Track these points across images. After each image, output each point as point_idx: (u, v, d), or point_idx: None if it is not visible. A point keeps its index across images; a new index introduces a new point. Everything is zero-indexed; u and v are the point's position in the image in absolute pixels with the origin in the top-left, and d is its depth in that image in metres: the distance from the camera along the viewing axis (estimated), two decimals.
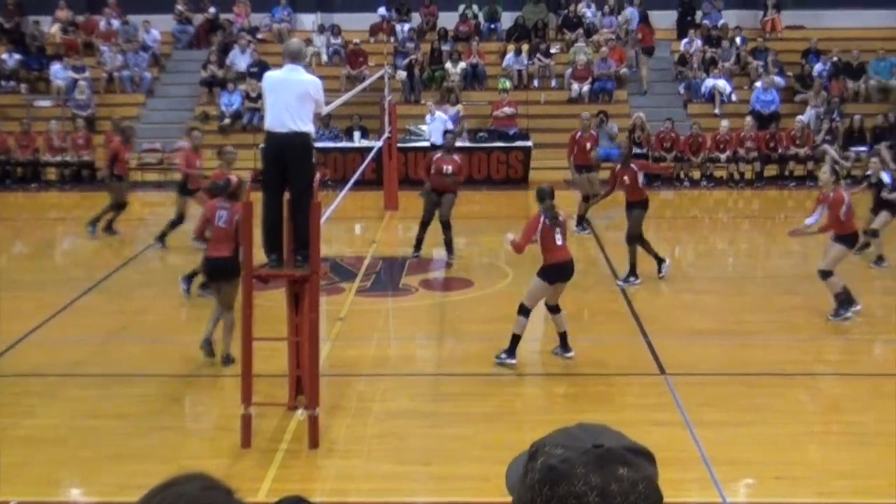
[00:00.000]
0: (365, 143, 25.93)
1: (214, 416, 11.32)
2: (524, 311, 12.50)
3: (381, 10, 32.58)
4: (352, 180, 17.74)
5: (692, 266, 18.16)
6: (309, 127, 10.39)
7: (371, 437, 10.61)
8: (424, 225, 18.01)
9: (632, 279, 16.38)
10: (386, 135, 23.13)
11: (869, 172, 17.58)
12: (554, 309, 12.61)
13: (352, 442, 10.47)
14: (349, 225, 21.85)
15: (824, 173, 14.80)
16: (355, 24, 32.31)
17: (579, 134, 20.79)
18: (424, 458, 10.07)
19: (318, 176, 10.53)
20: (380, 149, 22.88)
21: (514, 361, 12.53)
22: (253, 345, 10.21)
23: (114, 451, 10.22)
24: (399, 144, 24.40)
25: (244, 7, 32.77)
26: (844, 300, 14.32)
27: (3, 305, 13.33)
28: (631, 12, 31.95)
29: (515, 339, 12.51)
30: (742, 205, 25.16)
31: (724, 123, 26.80)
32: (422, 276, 17.39)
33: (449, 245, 18.11)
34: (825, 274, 14.39)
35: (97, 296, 16.25)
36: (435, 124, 24.42)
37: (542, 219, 12.42)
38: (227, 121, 28.96)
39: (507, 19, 32.88)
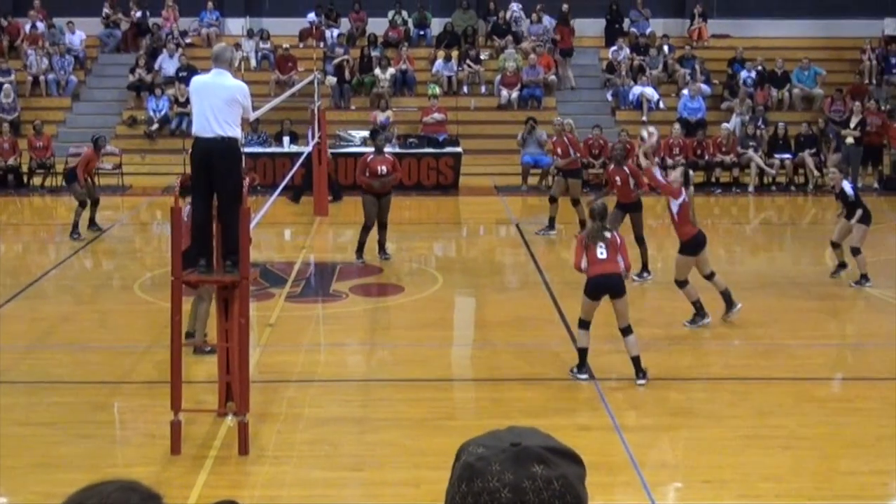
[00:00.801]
0: (294, 148, 25.83)
1: (143, 423, 11.20)
2: (582, 324, 12.32)
3: (311, 16, 32.47)
4: (281, 186, 17.68)
5: None
6: (236, 132, 10.34)
7: (301, 443, 10.58)
8: (367, 229, 17.96)
9: (645, 275, 16.99)
10: (315, 140, 23.09)
11: (832, 186, 17.43)
12: (624, 331, 12.21)
13: (282, 448, 10.43)
14: (279, 230, 21.76)
15: (675, 171, 15.20)
16: (284, 28, 32.21)
17: (554, 139, 21.19)
18: (355, 464, 10.05)
19: (247, 181, 10.49)
20: (309, 154, 22.83)
21: (584, 376, 12.30)
22: (182, 351, 10.14)
23: (40, 459, 10.09)
24: (329, 150, 24.35)
25: (172, 11, 32.52)
26: (701, 308, 14.42)
27: None
28: (548, 21, 32.15)
29: (582, 352, 12.35)
30: None
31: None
32: (352, 282, 17.36)
33: (383, 245, 18.21)
34: (681, 283, 14.42)
35: (22, 302, 16.02)
36: None
37: (583, 236, 12.36)
38: (154, 126, 28.74)
39: (436, 25, 32.96)
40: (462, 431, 10.43)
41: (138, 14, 32.32)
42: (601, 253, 12.08)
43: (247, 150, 18.45)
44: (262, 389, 11.63)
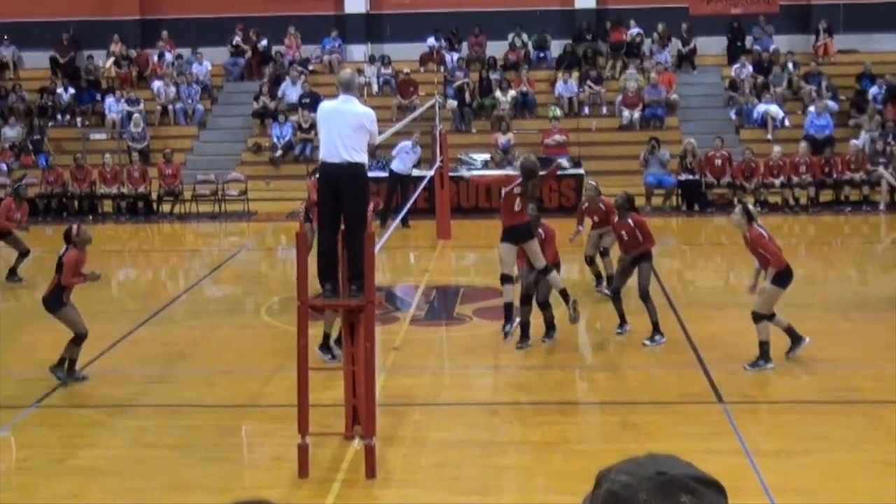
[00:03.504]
0: (417, 172, 25.94)
1: (271, 446, 11.33)
2: (506, 279, 13.60)
3: (431, 40, 32.71)
4: (404, 210, 17.73)
5: (748, 293, 17.93)
6: (363, 157, 10.43)
7: (427, 466, 10.59)
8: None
9: (657, 337, 14.62)
10: (437, 164, 23.17)
11: None
12: (544, 271, 13.60)
13: (408, 471, 10.45)
14: (403, 254, 21.87)
15: (735, 215, 13.51)
16: (405, 54, 32.47)
17: (586, 205, 17.93)
18: (481, 488, 10.02)
19: (371, 205, 10.56)
20: (431, 178, 22.93)
21: (509, 327, 13.69)
22: (309, 374, 10.22)
23: (170, 481, 10.26)
24: (451, 173, 24.41)
25: (295, 39, 33.02)
26: (796, 338, 13.51)
27: (60, 337, 13.45)
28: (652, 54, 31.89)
29: (508, 307, 13.61)
30: (798, 230, 24.92)
31: (777, 149, 26.61)
32: (476, 305, 17.34)
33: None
34: (758, 317, 13.35)
35: (153, 327, 16.35)
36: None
37: (511, 187, 13.39)
38: (279, 152, 29.16)
39: (556, 47, 32.92)
40: (588, 455, 10.36)
41: (262, 42, 32.87)
42: (517, 206, 13.30)
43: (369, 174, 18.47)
44: (388, 413, 11.67)
